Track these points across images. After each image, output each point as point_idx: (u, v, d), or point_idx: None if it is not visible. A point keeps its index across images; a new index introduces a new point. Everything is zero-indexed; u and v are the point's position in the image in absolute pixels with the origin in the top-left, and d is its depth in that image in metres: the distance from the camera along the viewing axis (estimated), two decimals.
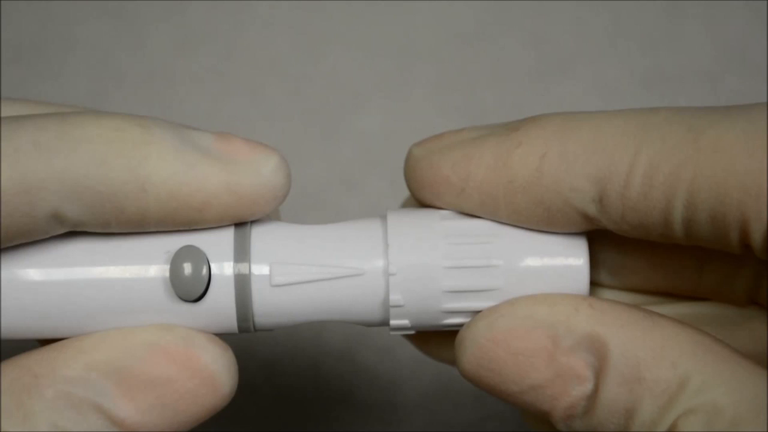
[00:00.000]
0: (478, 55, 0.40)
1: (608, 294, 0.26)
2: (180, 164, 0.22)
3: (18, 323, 0.23)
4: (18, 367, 0.22)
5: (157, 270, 0.23)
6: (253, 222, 0.24)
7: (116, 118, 0.22)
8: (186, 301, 0.23)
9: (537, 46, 0.40)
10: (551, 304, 0.23)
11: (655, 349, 0.21)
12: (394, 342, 0.38)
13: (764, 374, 0.21)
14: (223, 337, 0.24)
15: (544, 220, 0.23)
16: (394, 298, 0.23)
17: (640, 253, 0.25)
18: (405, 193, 0.29)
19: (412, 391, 0.38)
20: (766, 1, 0.39)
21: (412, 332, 0.24)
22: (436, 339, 0.27)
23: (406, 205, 0.27)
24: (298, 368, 0.38)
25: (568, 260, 0.23)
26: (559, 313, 0.22)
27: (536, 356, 0.22)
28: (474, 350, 0.23)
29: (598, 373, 0.22)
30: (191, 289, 0.23)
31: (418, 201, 0.25)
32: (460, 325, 0.24)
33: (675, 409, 0.21)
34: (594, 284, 0.26)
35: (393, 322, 0.24)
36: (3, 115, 0.24)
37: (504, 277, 0.23)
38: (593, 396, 0.22)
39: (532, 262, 0.23)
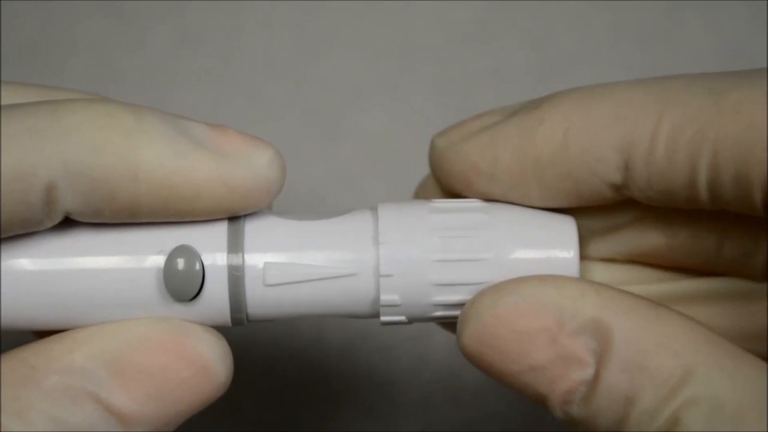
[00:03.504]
0: (478, 55, 0.40)
1: (624, 268, 0.26)
2: (172, 153, 0.22)
3: (14, 314, 0.23)
4: (14, 359, 0.22)
5: (151, 266, 0.23)
6: (246, 216, 0.24)
7: (109, 105, 0.22)
8: (179, 301, 0.23)
9: (537, 46, 0.40)
10: (559, 286, 0.22)
11: (659, 338, 0.21)
12: (394, 342, 0.38)
13: (764, 367, 0.21)
14: (222, 331, 0.24)
15: (573, 193, 0.23)
16: (385, 298, 0.23)
17: (659, 231, 0.25)
18: (405, 193, 0.29)
19: (412, 391, 0.38)
20: (766, 1, 0.39)
21: (406, 323, 0.24)
22: None
23: (420, 191, 0.27)
24: (298, 368, 0.38)
25: (558, 252, 0.24)
26: (566, 296, 0.22)
27: (539, 336, 0.22)
28: (477, 326, 0.23)
29: (600, 360, 0.22)
30: (185, 291, 0.23)
31: (447, 191, 0.25)
32: (452, 318, 0.24)
33: (676, 399, 0.21)
34: (612, 261, 0.26)
35: (384, 318, 0.24)
36: (3, 98, 0.24)
37: (493, 271, 0.23)
38: (593, 382, 0.22)
39: (521, 254, 0.23)
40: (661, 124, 0.22)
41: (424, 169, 0.27)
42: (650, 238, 0.25)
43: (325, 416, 0.38)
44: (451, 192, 0.25)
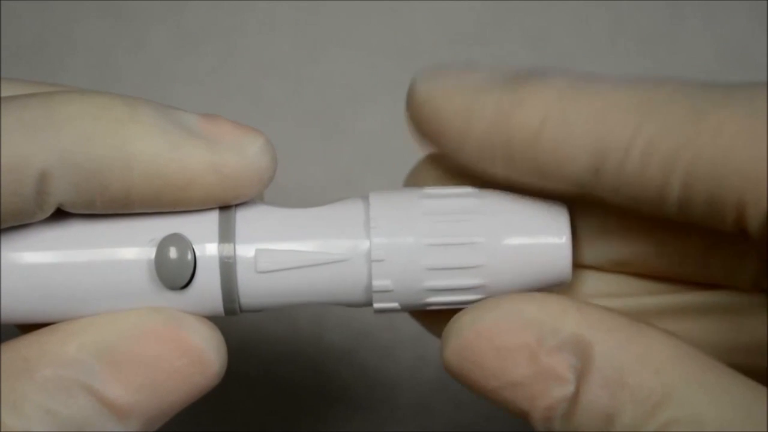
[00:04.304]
0: (478, 55, 0.40)
1: (614, 279, 0.26)
2: (165, 143, 0.22)
3: (7, 308, 0.23)
4: (8, 351, 0.22)
5: (142, 258, 0.23)
6: (237, 206, 0.24)
7: (102, 96, 0.22)
8: (172, 289, 0.23)
9: (537, 46, 0.40)
10: (541, 303, 0.22)
11: (639, 355, 0.21)
12: (394, 342, 0.38)
13: (749, 384, 0.21)
14: (222, 330, 0.24)
15: (537, 183, 0.23)
16: (377, 283, 0.23)
17: (648, 238, 0.25)
18: None
19: (412, 391, 0.38)
20: (766, 1, 0.39)
21: (399, 311, 0.24)
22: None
23: (410, 178, 0.27)
24: (298, 368, 0.38)
25: (549, 238, 0.23)
26: (547, 313, 0.22)
27: (519, 353, 0.22)
28: (458, 341, 0.23)
29: (581, 376, 0.22)
30: (176, 280, 0.23)
31: (418, 141, 0.25)
32: (444, 305, 0.24)
33: (657, 418, 0.21)
34: (602, 270, 0.26)
35: (377, 305, 0.24)
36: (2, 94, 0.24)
37: (486, 254, 0.23)
38: (574, 399, 0.22)
39: (513, 240, 0.23)
40: (638, 134, 0.22)
41: None
42: (640, 243, 0.25)
43: (324, 417, 0.38)
44: (421, 143, 0.25)
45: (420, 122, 0.24)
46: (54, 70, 0.39)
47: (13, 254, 0.23)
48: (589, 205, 0.24)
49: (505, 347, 0.22)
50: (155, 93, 0.39)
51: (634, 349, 0.21)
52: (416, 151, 0.33)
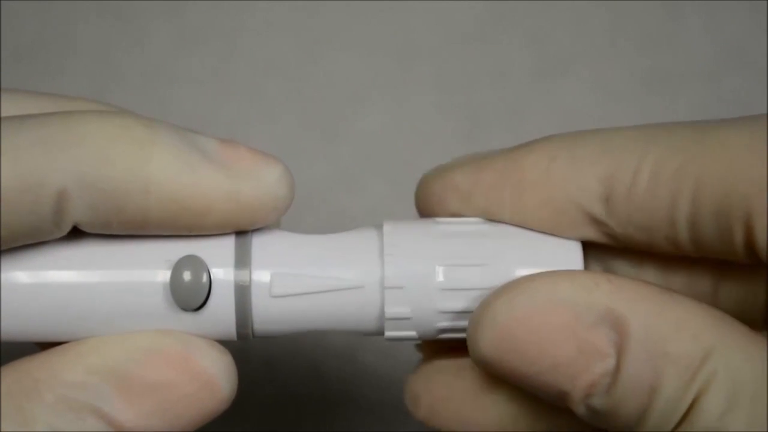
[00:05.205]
0: (478, 55, 0.40)
1: None
2: (183, 167, 0.22)
3: (19, 326, 0.23)
4: (18, 371, 0.22)
5: (157, 278, 0.23)
6: (254, 231, 0.24)
7: (121, 116, 0.22)
8: (186, 310, 0.23)
9: (537, 46, 0.40)
10: (572, 279, 0.22)
11: (676, 323, 0.21)
12: (394, 342, 0.38)
13: None
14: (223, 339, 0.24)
15: (548, 221, 0.23)
16: (390, 310, 0.23)
17: (658, 273, 0.25)
18: (405, 193, 0.29)
19: None
20: (766, 1, 0.39)
21: (411, 339, 0.24)
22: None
23: None
24: (299, 368, 0.38)
25: (562, 268, 0.23)
26: (580, 288, 0.22)
27: (558, 333, 0.22)
28: (494, 331, 0.22)
29: (620, 349, 0.21)
30: (191, 300, 0.23)
31: (423, 213, 0.25)
32: (457, 330, 0.24)
33: (697, 383, 0.21)
34: None
35: (389, 333, 0.24)
36: (4, 106, 0.24)
37: (498, 280, 0.23)
38: (615, 373, 0.21)
39: (524, 270, 0.23)
40: (646, 158, 0.22)
41: (424, 169, 0.27)
42: (650, 278, 0.25)
43: (325, 417, 0.38)
44: (426, 213, 0.25)
45: (427, 191, 0.25)
46: (54, 70, 0.39)
47: (27, 272, 0.23)
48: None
49: (545, 330, 0.22)
50: (155, 93, 0.39)
51: (670, 317, 0.21)
52: (416, 151, 0.33)
